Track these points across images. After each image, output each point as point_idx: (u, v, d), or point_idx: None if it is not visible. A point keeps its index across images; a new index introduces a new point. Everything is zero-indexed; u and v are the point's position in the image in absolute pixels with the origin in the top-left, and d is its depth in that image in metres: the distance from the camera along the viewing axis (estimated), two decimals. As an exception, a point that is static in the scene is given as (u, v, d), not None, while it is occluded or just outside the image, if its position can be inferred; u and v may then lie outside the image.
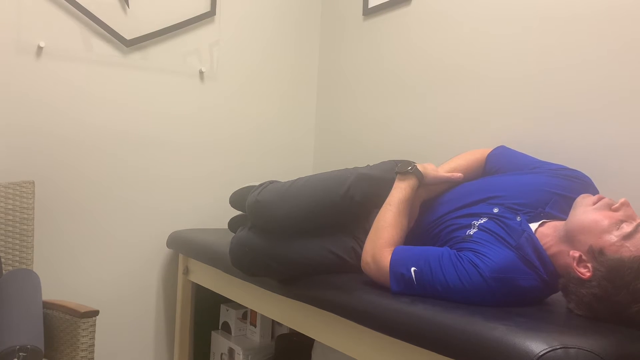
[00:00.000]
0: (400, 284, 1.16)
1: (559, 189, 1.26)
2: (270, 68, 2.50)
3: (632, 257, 0.99)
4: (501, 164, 1.46)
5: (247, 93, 2.45)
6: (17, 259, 1.79)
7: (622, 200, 1.08)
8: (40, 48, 1.97)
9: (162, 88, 2.23)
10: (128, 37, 2.13)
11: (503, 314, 1.01)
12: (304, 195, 1.38)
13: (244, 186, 1.70)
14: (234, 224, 1.73)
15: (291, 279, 1.41)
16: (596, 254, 1.03)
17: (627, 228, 1.03)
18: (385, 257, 1.20)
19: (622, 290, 0.97)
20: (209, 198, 2.35)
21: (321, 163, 2.58)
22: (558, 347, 0.83)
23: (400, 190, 1.31)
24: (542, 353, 0.82)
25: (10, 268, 1.77)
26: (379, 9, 2.25)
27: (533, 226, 1.18)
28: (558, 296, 1.15)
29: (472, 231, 1.20)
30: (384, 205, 1.31)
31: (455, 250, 1.17)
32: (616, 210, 1.06)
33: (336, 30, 2.52)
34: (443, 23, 1.96)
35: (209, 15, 2.31)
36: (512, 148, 1.54)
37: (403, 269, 1.16)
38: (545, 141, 1.58)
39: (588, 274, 1.03)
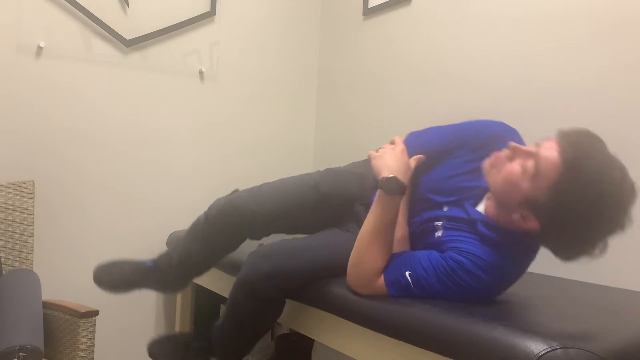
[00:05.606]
0: (398, 291, 1.15)
1: (477, 164, 1.21)
2: (270, 68, 2.50)
3: (554, 182, 0.99)
4: (422, 153, 1.35)
5: (247, 93, 2.45)
6: (17, 259, 1.79)
7: (510, 145, 1.08)
8: (40, 48, 1.97)
9: (162, 88, 2.23)
10: (128, 37, 2.13)
11: (503, 314, 1.01)
12: (275, 190, 1.44)
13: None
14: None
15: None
16: (528, 204, 1.04)
17: (530, 168, 1.02)
18: (378, 284, 1.16)
19: (572, 205, 0.97)
20: (209, 198, 2.33)
21: (321, 163, 2.58)
22: (558, 347, 0.83)
23: (383, 206, 1.20)
24: (542, 353, 0.82)
25: (10, 268, 1.77)
26: (379, 9, 2.25)
27: (480, 208, 1.18)
28: (558, 296, 1.15)
29: (439, 233, 1.20)
30: (364, 224, 1.22)
31: (439, 253, 1.16)
32: (511, 159, 1.07)
33: (336, 30, 2.52)
34: (443, 23, 1.96)
35: (209, 15, 2.31)
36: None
37: (398, 276, 1.15)
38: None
39: (535, 224, 1.04)
